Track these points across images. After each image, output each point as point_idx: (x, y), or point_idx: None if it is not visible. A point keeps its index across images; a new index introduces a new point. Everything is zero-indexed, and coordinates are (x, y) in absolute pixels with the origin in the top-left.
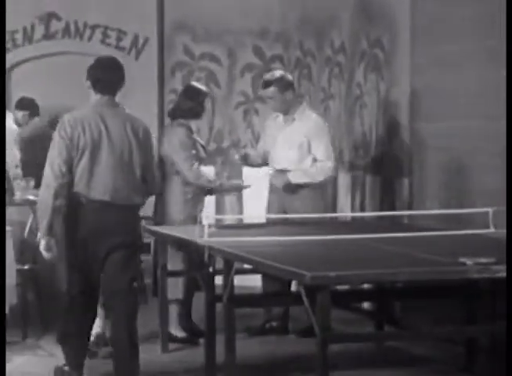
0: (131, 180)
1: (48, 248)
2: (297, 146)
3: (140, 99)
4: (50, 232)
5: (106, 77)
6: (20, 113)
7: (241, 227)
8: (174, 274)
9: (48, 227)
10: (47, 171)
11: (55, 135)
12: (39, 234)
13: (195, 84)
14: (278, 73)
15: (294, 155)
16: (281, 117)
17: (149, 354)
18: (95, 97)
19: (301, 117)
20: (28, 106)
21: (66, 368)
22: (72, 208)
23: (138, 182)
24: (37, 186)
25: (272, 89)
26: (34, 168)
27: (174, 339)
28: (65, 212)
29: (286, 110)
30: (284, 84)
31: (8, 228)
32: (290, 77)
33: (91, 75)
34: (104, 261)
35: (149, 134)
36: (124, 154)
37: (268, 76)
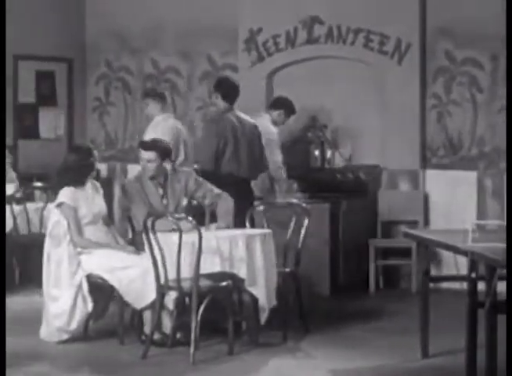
0: (258, 163)
1: None
2: None
3: (403, 101)
4: None
5: (234, 92)
6: (276, 113)
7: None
8: (436, 279)
9: None
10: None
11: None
12: None
13: None
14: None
15: None
16: None
17: (407, 358)
18: (223, 105)
19: None
20: (282, 104)
21: None
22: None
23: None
24: (301, 188)
25: None
26: (295, 170)
27: None
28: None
29: None
30: None
31: (270, 230)
32: None
33: (223, 89)
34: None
35: (258, 129)
36: (252, 144)
37: None
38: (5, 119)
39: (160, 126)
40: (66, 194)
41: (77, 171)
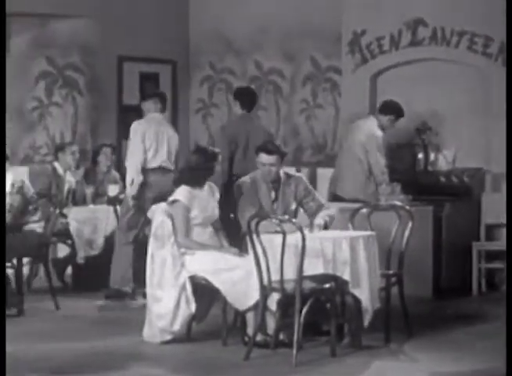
0: None
1: None
2: None
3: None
4: None
5: (253, 101)
6: (385, 118)
7: None
8: None
9: None
10: None
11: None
12: None
13: None
14: None
15: None
16: None
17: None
18: (241, 112)
19: None
20: (392, 109)
21: None
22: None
23: None
24: (405, 191)
25: None
26: (399, 173)
27: None
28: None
29: None
30: None
31: (373, 233)
32: None
33: (243, 98)
34: None
35: (271, 134)
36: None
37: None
38: (5, 119)
39: (152, 129)
40: (182, 193)
41: (197, 172)
